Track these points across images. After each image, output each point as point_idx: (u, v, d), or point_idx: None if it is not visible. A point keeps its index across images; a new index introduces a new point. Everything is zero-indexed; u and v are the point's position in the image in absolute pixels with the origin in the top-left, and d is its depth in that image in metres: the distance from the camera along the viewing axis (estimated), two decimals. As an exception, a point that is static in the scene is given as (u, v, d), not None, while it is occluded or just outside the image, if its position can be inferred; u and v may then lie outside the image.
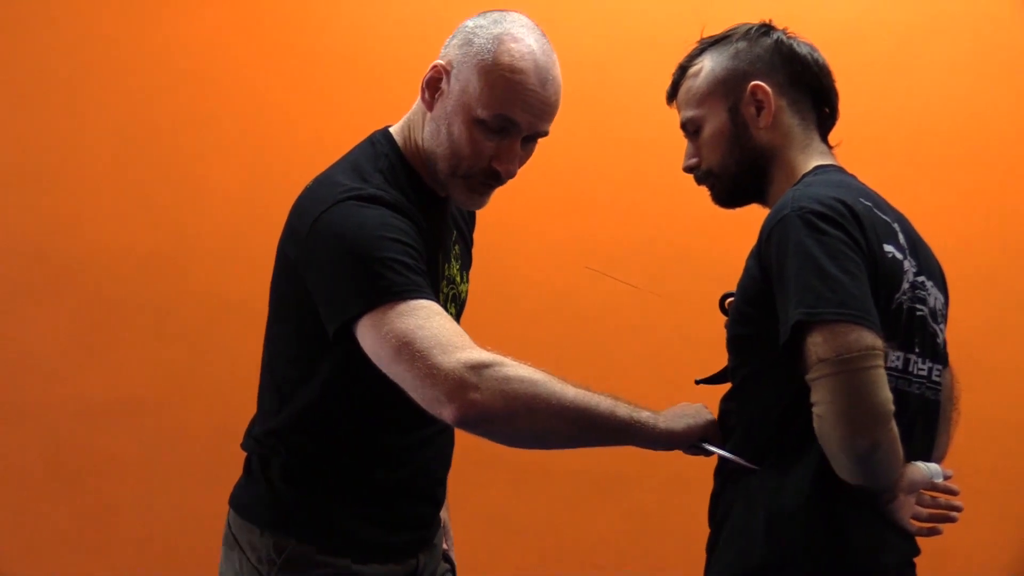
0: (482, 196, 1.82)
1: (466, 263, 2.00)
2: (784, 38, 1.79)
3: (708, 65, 1.80)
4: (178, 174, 3.21)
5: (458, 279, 1.94)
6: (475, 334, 1.60)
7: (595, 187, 3.23)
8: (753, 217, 1.72)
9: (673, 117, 1.87)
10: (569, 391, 1.57)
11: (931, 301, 1.69)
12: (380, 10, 3.24)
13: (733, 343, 1.69)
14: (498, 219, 2.12)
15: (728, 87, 1.77)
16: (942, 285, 1.77)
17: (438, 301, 1.64)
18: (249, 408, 1.90)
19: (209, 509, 2.28)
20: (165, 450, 3.15)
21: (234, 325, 3.10)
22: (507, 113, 1.72)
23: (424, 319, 1.57)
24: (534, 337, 3.09)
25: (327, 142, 2.14)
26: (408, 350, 1.54)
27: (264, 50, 3.24)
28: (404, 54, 3.09)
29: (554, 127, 1.80)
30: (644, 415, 1.63)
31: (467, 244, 2.02)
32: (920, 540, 1.67)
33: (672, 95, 1.86)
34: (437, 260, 1.84)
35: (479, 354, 1.55)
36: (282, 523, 1.78)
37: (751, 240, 1.64)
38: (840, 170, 1.75)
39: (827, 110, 1.81)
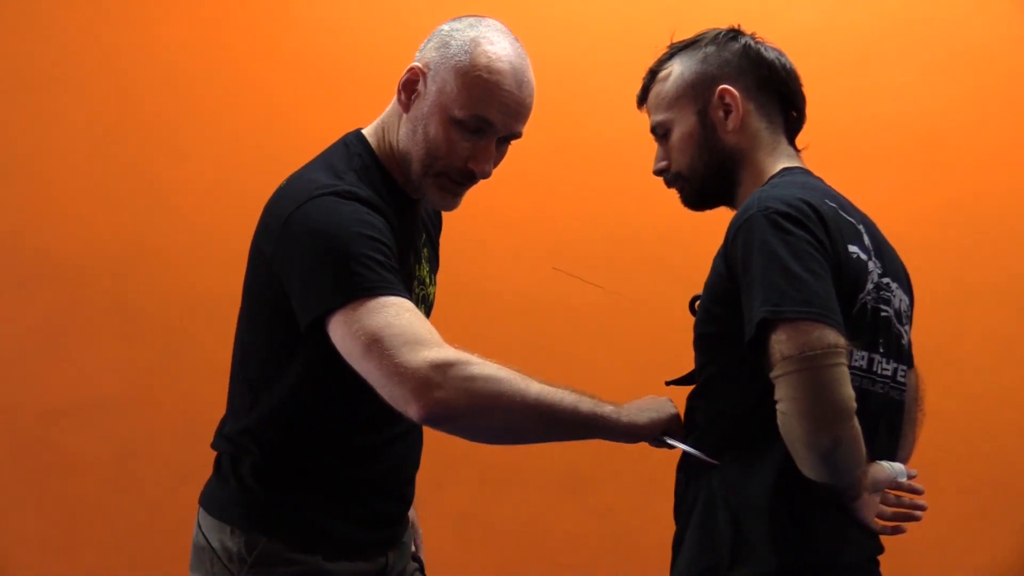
0: (455, 197, 1.83)
1: (434, 266, 2.02)
2: (752, 43, 1.81)
3: (677, 70, 1.81)
4: (149, 171, 3.19)
5: (427, 280, 1.95)
6: (443, 335, 1.61)
7: (562, 189, 3.24)
8: (721, 219, 1.74)
9: (642, 120, 1.88)
10: (533, 388, 1.59)
11: (896, 303, 1.71)
12: (353, 12, 3.25)
13: (700, 341, 1.71)
14: (466, 220, 2.12)
15: (697, 91, 1.79)
16: (907, 287, 1.79)
17: (411, 299, 1.65)
18: (219, 407, 1.89)
19: (179, 509, 2.27)
20: (134, 450, 3.13)
21: (203, 324, 3.09)
22: (483, 114, 1.75)
23: (394, 316, 1.58)
24: (501, 338, 3.09)
25: (300, 141, 2.15)
26: (377, 347, 1.56)
27: (237, 49, 3.23)
28: (378, 56, 3.10)
29: (524, 129, 1.82)
30: (607, 409, 1.65)
31: (434, 247, 2.04)
32: (896, 539, 1.70)
33: (642, 99, 1.87)
34: (408, 261, 1.85)
35: (445, 352, 1.57)
36: (253, 521, 1.77)
37: (719, 242, 1.66)
38: (806, 172, 1.77)
39: (794, 114, 1.83)
